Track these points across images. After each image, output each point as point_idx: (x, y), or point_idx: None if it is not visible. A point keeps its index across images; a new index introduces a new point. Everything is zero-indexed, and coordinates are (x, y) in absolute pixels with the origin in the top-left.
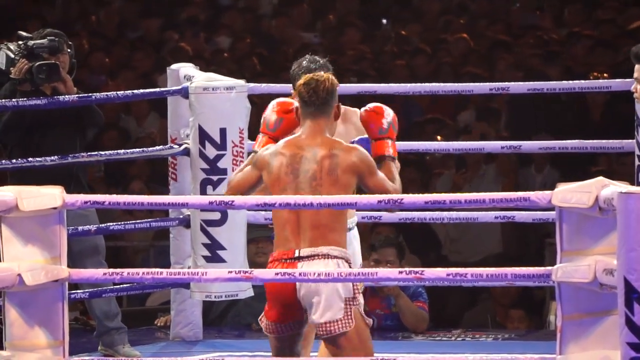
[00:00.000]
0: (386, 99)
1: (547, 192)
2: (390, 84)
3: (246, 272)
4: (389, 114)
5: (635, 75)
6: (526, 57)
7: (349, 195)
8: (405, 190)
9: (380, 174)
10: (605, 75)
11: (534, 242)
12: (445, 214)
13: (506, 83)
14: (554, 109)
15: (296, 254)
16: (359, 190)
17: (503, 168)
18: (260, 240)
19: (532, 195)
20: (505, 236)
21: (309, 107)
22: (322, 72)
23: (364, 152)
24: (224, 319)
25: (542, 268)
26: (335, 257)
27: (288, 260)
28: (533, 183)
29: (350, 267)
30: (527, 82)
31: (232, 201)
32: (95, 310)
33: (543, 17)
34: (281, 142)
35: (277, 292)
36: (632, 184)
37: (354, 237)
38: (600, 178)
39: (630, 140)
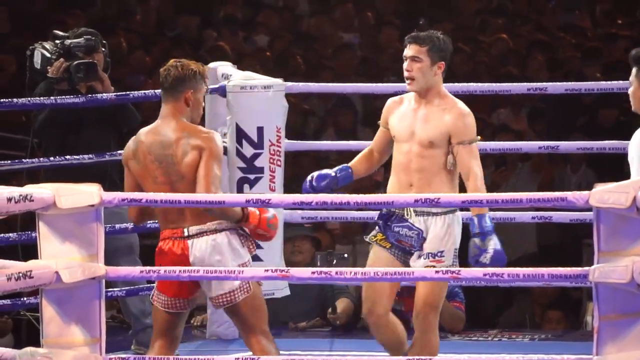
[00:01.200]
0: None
1: (585, 193)
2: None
3: (282, 270)
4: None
5: (410, 53)
6: (565, 57)
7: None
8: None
9: (219, 170)
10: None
11: (570, 242)
12: None
13: (544, 83)
14: (591, 109)
15: (185, 233)
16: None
17: (538, 166)
18: (296, 239)
19: (569, 196)
20: (540, 236)
21: (162, 90)
22: (185, 60)
23: (214, 138)
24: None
25: (579, 268)
26: (223, 229)
27: (178, 239)
28: (569, 183)
29: (243, 233)
30: (564, 83)
31: (269, 199)
32: (130, 308)
33: (581, 17)
34: (141, 130)
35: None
36: None
37: (456, 221)
38: (638, 178)
39: None
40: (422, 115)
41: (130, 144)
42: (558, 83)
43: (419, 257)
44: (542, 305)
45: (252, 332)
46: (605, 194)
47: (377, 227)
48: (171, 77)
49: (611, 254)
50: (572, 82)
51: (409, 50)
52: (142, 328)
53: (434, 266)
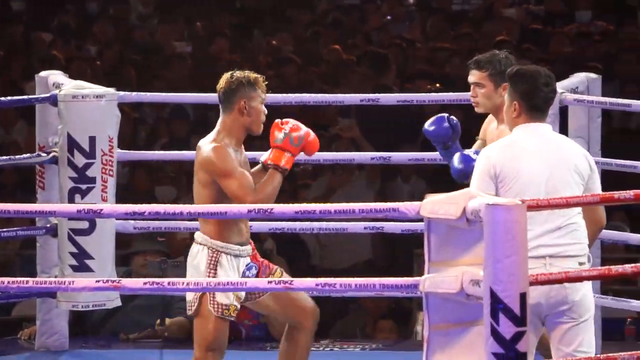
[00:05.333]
0: None
1: (416, 203)
2: None
3: (114, 281)
4: (289, 127)
5: (473, 79)
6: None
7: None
8: (276, 200)
9: (240, 182)
10: (437, 85)
11: (402, 252)
12: (315, 224)
13: (376, 95)
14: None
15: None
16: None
17: (372, 176)
18: (147, 253)
19: (401, 206)
20: (375, 245)
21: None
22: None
23: (222, 154)
24: (102, 328)
25: (410, 278)
26: (199, 243)
27: None
28: (401, 194)
29: (215, 255)
30: (397, 94)
31: (101, 210)
32: None
33: (412, 30)
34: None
35: None
36: None
37: None
38: (468, 189)
39: None
40: (497, 134)
41: None
42: (391, 94)
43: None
44: (375, 315)
45: (194, 350)
46: (436, 205)
47: None
48: (221, 90)
49: (441, 264)
50: (405, 94)
51: (471, 77)
52: None
53: None
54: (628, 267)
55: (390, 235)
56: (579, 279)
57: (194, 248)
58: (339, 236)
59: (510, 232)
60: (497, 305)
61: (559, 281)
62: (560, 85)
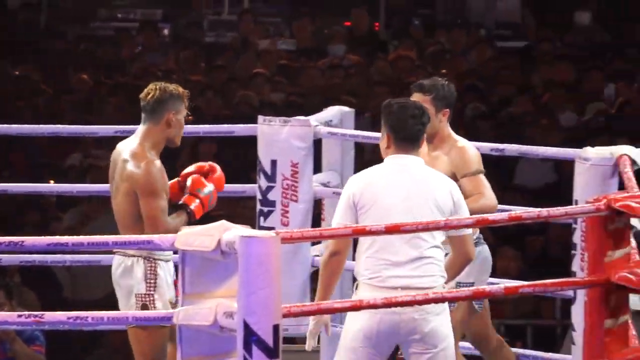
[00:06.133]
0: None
1: (171, 235)
2: (10, 125)
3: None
4: (211, 187)
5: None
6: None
7: None
8: (26, 232)
9: (160, 204)
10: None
11: None
12: (67, 256)
13: (133, 126)
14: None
15: None
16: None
17: None
18: None
19: (155, 238)
20: None
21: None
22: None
23: (151, 171)
24: None
25: (164, 311)
26: (132, 255)
27: None
28: None
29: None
30: None
31: None
32: None
33: (167, 60)
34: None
35: None
36: (254, 227)
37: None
38: (223, 222)
39: (251, 185)
40: (429, 161)
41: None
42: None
43: None
44: (120, 350)
45: None
46: (191, 237)
47: None
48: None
49: (196, 297)
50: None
51: (413, 99)
52: None
53: None
54: (379, 300)
55: None
56: (331, 310)
57: (127, 261)
58: (92, 267)
59: (264, 265)
60: (251, 338)
61: (312, 313)
62: (314, 119)
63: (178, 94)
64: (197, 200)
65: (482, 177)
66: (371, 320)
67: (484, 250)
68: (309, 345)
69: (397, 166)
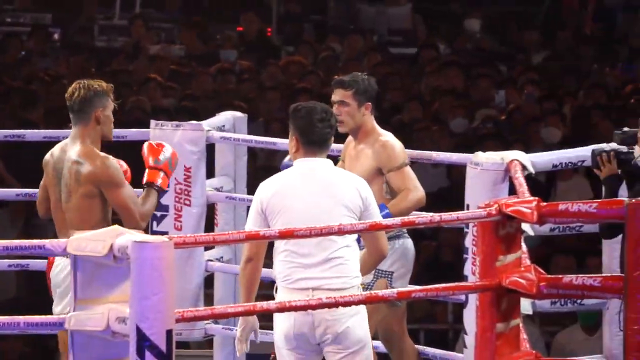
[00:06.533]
0: None
1: (63, 240)
2: None
3: None
4: (167, 150)
5: (337, 98)
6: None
7: None
8: None
9: (128, 192)
10: None
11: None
12: None
13: (23, 131)
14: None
15: None
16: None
17: (18, 212)
18: None
19: (47, 244)
20: (19, 282)
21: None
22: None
23: (110, 165)
24: None
25: (56, 317)
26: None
27: None
28: (45, 231)
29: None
30: (45, 131)
31: None
32: None
33: (58, 64)
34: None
35: None
36: (147, 232)
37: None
38: (115, 227)
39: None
40: (354, 154)
41: (48, 154)
42: (38, 131)
43: None
44: (11, 357)
45: None
46: (83, 242)
47: None
48: (76, 99)
49: (88, 302)
50: (52, 130)
51: (335, 95)
52: None
53: None
54: (272, 304)
55: (36, 273)
56: (224, 315)
57: (65, 261)
58: None
59: (157, 270)
60: (144, 343)
61: (206, 317)
62: (207, 123)
63: (102, 90)
64: (161, 173)
65: (408, 169)
66: (288, 322)
67: (406, 242)
68: (240, 350)
69: (305, 170)
